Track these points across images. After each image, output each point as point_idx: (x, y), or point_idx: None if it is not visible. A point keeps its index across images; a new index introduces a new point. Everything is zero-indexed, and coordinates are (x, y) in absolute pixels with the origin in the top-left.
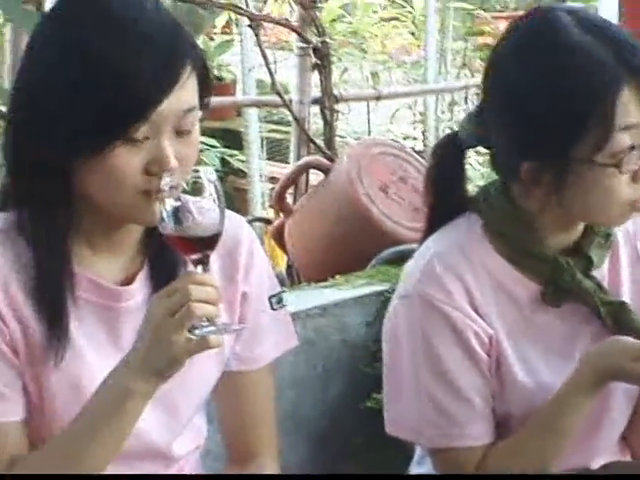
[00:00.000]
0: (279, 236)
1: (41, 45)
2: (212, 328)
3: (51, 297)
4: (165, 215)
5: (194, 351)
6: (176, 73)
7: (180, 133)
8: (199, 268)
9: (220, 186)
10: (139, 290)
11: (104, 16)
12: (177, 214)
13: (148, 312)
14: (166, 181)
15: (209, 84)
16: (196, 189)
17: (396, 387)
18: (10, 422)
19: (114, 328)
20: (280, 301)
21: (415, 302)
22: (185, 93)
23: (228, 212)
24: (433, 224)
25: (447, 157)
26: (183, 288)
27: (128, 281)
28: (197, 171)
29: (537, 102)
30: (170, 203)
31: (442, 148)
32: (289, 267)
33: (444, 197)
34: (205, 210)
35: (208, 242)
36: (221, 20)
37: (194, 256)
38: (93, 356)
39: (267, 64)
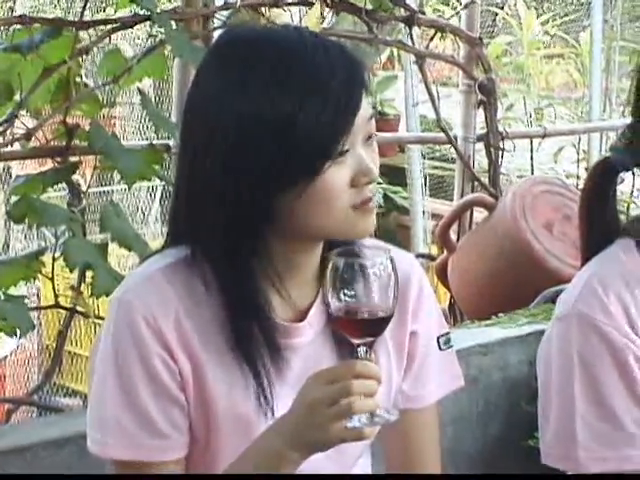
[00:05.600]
0: (442, 273)
1: (215, 81)
2: (368, 420)
3: (246, 346)
4: (339, 297)
5: (347, 440)
6: (364, 78)
7: (368, 140)
8: (361, 350)
9: (396, 273)
10: (310, 326)
11: (281, 50)
12: (350, 298)
13: (305, 391)
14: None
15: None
16: (378, 274)
17: (546, 413)
18: (170, 461)
19: (282, 363)
20: (448, 341)
21: (573, 322)
22: (366, 101)
23: (398, 249)
24: (588, 253)
25: (599, 183)
26: (344, 381)
27: (300, 316)
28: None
29: None
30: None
31: (594, 174)
32: (451, 304)
33: (596, 224)
34: (379, 295)
35: (375, 329)
36: (383, 56)
37: (358, 340)
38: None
39: (433, 101)
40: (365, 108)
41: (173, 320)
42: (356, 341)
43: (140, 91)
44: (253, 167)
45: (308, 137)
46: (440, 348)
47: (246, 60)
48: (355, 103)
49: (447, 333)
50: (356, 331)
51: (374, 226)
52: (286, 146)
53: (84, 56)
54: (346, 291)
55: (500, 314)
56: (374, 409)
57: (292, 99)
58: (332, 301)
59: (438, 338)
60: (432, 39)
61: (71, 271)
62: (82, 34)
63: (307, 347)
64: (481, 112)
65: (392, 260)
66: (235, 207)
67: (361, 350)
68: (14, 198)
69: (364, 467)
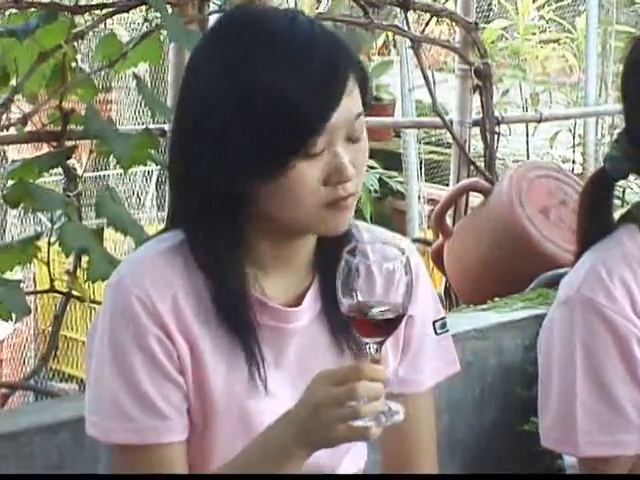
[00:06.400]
0: (438, 258)
1: (205, 65)
2: (375, 422)
3: (235, 321)
4: (351, 295)
5: (353, 439)
6: (343, 82)
7: (351, 140)
8: (371, 349)
9: (411, 272)
10: (307, 310)
11: (263, 33)
12: (362, 297)
13: (311, 390)
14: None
15: (368, 92)
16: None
17: (546, 396)
18: (172, 443)
19: (278, 349)
20: (444, 326)
21: (576, 306)
22: (352, 100)
23: (394, 235)
24: (583, 248)
25: (596, 194)
26: (351, 383)
27: (296, 302)
28: (403, 252)
29: None
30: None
31: (591, 185)
32: (447, 288)
33: (592, 226)
34: (391, 295)
35: (388, 329)
36: (379, 41)
37: (369, 339)
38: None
39: (428, 85)
40: (348, 107)
41: (170, 303)
42: (366, 339)
43: (136, 76)
44: (229, 151)
45: (280, 130)
46: (436, 333)
47: (235, 42)
48: (330, 105)
49: (443, 318)
50: (367, 330)
51: (347, 223)
52: (261, 134)
53: (80, 41)
54: (358, 290)
55: (496, 299)
56: (380, 411)
57: (274, 84)
58: (344, 300)
59: (434, 323)
60: (428, 24)
61: (67, 256)
62: (78, 19)
63: (303, 332)
64: (477, 97)
65: (408, 260)
66: (213, 191)
67: (371, 348)
68: (10, 182)
69: (360, 452)
